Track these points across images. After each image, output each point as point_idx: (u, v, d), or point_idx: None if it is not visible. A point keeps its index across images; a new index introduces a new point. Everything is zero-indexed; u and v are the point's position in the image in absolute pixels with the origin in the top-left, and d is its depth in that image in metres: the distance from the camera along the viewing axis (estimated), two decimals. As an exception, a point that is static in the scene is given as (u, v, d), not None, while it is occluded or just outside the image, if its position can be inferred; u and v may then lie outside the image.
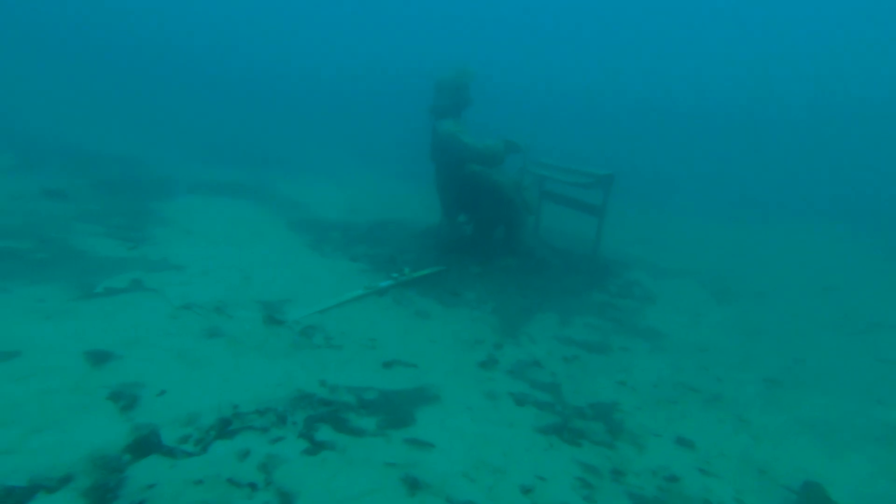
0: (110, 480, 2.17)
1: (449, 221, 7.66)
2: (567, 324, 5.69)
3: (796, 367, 5.24)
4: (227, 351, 3.66)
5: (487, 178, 6.67)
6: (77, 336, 3.42)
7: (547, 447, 3.41)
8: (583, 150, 16.65)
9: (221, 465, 2.44)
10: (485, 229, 7.36)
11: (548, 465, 3.19)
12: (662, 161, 19.79)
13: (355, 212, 9.32)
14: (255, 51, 32.85)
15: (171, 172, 9.78)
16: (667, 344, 5.47)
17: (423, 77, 7.40)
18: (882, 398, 4.73)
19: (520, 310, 5.90)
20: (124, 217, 6.41)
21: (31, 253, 4.93)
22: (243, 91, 23.46)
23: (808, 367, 5.24)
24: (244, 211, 7.90)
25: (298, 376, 3.70)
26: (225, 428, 2.82)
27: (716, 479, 3.29)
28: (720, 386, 4.67)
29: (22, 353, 3.19)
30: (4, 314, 3.64)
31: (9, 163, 8.33)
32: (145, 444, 2.46)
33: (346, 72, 32.80)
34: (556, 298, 6.32)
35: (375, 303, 5.42)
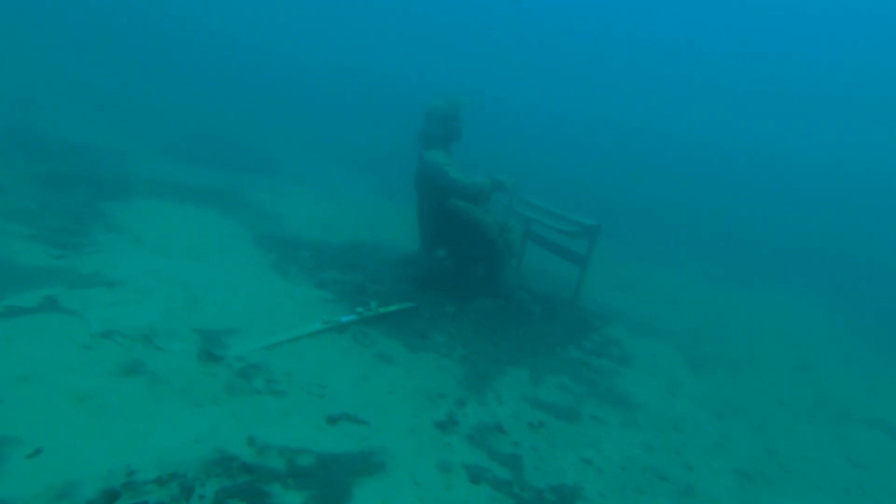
0: None
1: (427, 254, 7.28)
2: (538, 382, 5.31)
3: (768, 458, 4.92)
4: (144, 394, 3.16)
5: (470, 215, 6.34)
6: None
7: (498, 545, 2.98)
8: (573, 189, 16.56)
9: (86, 567, 1.94)
10: (464, 267, 7.00)
11: (495, 573, 2.75)
12: (652, 209, 19.86)
13: (330, 229, 8.86)
14: (249, 45, 32.24)
15: (135, 168, 9.00)
16: (640, 416, 5.12)
17: (418, 93, 7.12)
18: (854, 511, 4.43)
19: (490, 361, 5.50)
20: (65, 218, 5.71)
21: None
22: (231, 86, 22.85)
23: (780, 461, 4.92)
24: (209, 220, 7.35)
25: (224, 430, 3.21)
26: (109, 504, 2.32)
27: None
28: (691, 476, 4.31)
29: None
30: None
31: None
32: (-11, 534, 1.94)
33: (342, 78, 32.55)
34: (529, 351, 5.95)
35: (333, 340, 4.96)
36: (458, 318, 6.30)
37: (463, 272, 6.97)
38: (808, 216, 22.45)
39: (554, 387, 5.30)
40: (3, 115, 10.18)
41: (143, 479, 2.53)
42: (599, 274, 9.99)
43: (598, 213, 7.20)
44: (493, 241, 6.59)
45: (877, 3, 34.60)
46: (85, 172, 7.78)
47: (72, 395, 2.86)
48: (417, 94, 7.06)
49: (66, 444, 2.53)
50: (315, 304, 5.66)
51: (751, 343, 8.16)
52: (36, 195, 6.25)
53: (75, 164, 8.08)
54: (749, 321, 9.42)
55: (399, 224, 9.59)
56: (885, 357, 9.18)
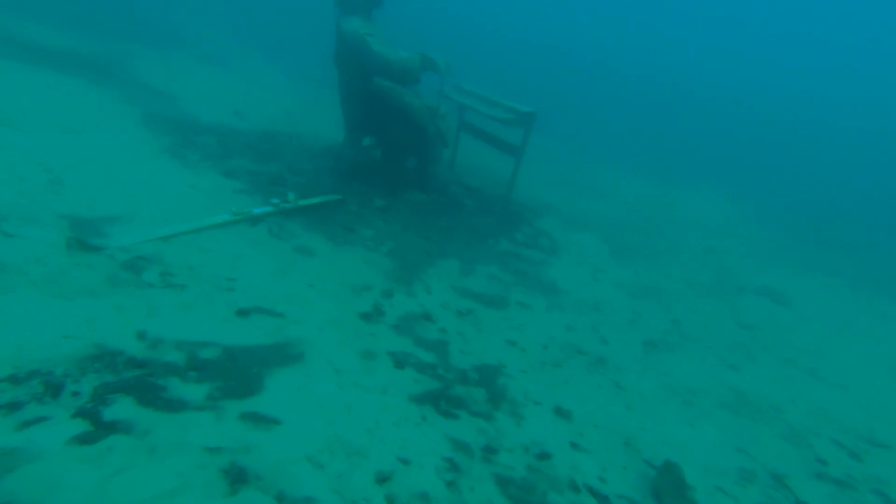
0: None
1: (353, 144, 6.63)
2: (468, 273, 5.26)
3: (671, 329, 5.43)
4: (-14, 286, 2.59)
5: (398, 99, 5.68)
6: None
7: (419, 421, 2.99)
8: (510, 82, 15.83)
9: None
10: (393, 157, 6.49)
11: (416, 444, 2.77)
12: (589, 106, 19.80)
13: (242, 115, 7.75)
14: None
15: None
16: (564, 301, 5.32)
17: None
18: (735, 363, 5.08)
19: (420, 253, 5.32)
20: None
21: None
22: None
23: (680, 330, 5.46)
24: (79, 92, 6.00)
25: (104, 324, 2.78)
26: (-59, 408, 1.91)
27: (585, 454, 3.15)
28: (605, 348, 4.62)
29: None
30: None
31: None
32: None
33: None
34: (461, 244, 5.83)
35: (244, 233, 4.45)
36: (388, 212, 5.96)
37: (393, 164, 6.48)
38: (728, 124, 23.69)
39: (484, 277, 5.29)
40: None
41: (-12, 379, 2.11)
42: (535, 169, 9.93)
43: (537, 106, 6.79)
44: (424, 128, 6.07)
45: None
46: None
47: None
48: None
49: None
50: (222, 194, 5.01)
51: (670, 234, 8.72)
52: None
53: None
54: (671, 215, 10.02)
55: (325, 114, 8.63)
56: (780, 238, 10.47)
